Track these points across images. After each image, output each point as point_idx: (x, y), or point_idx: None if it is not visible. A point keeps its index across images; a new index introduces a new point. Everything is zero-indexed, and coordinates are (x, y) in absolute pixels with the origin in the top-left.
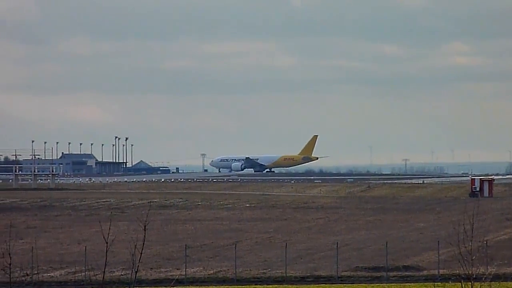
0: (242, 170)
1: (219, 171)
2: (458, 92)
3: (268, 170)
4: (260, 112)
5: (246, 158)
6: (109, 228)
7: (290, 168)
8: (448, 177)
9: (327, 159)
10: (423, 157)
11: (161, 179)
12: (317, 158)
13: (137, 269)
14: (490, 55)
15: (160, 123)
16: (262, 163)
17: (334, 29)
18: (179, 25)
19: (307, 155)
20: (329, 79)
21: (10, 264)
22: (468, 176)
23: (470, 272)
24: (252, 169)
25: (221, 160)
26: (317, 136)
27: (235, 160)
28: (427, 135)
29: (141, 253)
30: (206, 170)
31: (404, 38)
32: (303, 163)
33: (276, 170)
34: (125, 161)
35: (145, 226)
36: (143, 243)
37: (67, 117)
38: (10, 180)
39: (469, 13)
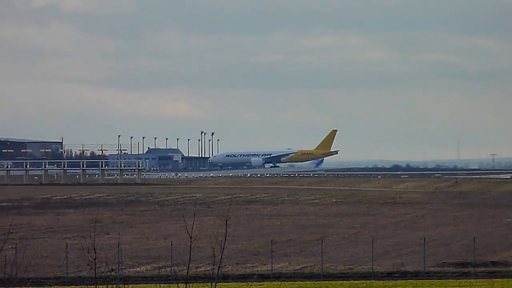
0: (263, 165)
1: (221, 168)
2: None
3: (272, 165)
4: (351, 107)
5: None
6: (193, 223)
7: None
8: None
9: (416, 154)
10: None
11: (247, 174)
12: (337, 152)
13: (219, 264)
14: None
15: (247, 117)
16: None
17: (427, 23)
18: (272, 20)
19: (325, 150)
20: (421, 73)
21: (95, 259)
22: None
23: None
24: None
25: (227, 156)
26: (336, 130)
27: (243, 155)
28: None
29: (223, 248)
30: (292, 165)
31: (497, 32)
32: (321, 158)
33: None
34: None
35: (226, 222)
36: (225, 238)
37: (154, 112)
38: (97, 175)
39: None
